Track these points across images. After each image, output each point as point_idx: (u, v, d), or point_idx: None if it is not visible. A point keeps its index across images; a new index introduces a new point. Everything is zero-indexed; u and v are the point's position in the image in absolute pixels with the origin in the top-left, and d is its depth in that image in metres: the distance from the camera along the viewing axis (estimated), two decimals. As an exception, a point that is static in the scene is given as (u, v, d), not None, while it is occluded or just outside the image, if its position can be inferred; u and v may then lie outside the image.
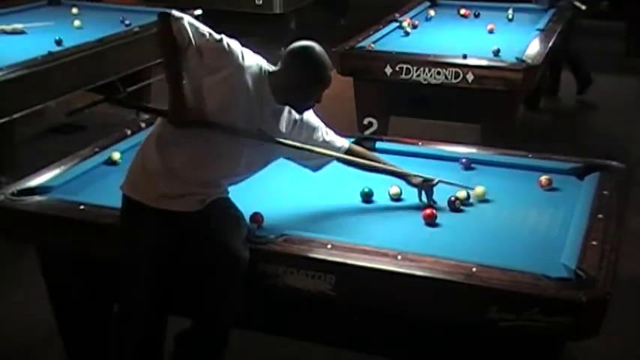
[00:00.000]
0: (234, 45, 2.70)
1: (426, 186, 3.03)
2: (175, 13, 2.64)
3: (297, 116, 2.87)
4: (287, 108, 2.82)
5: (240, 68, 2.66)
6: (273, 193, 3.16)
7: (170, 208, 2.68)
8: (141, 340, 2.82)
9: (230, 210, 2.75)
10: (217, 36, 2.67)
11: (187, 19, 2.65)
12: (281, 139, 2.79)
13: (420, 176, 3.05)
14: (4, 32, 5.57)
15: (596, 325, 2.36)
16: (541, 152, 3.54)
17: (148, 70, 6.10)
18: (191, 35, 2.61)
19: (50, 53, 4.89)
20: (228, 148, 2.70)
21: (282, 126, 2.82)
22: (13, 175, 3.78)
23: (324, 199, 3.13)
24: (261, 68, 2.74)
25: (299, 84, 2.71)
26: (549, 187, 3.19)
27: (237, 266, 2.62)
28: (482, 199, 3.09)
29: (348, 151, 3.04)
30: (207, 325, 2.73)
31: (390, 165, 3.10)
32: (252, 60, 2.73)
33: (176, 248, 2.72)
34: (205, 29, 2.67)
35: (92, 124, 6.05)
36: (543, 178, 3.20)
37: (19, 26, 5.64)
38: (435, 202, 3.02)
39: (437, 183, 3.03)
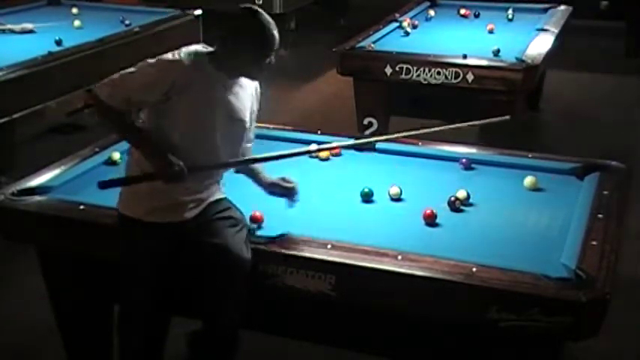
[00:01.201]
0: (162, 64, 2.60)
1: (278, 188, 2.87)
2: (96, 86, 2.62)
3: (256, 107, 2.84)
4: (247, 87, 2.75)
5: (181, 80, 2.56)
6: (273, 193, 3.15)
7: (164, 221, 2.68)
8: (142, 340, 2.83)
9: (228, 211, 2.75)
10: (143, 70, 2.61)
11: (109, 81, 2.63)
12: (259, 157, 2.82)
13: (272, 181, 2.89)
14: (13, 32, 5.57)
15: (596, 325, 2.37)
16: (541, 152, 3.54)
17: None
18: (123, 93, 2.58)
19: (50, 53, 4.89)
20: (205, 150, 2.67)
21: (247, 105, 2.76)
22: (13, 175, 3.78)
23: (324, 199, 3.13)
24: (199, 57, 2.61)
25: (247, 52, 2.59)
26: (534, 188, 3.19)
27: (238, 267, 2.62)
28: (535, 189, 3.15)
29: None
30: (211, 326, 2.74)
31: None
32: (187, 58, 2.59)
33: (176, 249, 2.72)
34: (130, 74, 2.62)
35: (92, 124, 6.05)
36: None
37: (28, 26, 5.64)
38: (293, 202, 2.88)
39: (292, 188, 2.87)
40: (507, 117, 2.83)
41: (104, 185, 2.71)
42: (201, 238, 2.67)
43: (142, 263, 2.74)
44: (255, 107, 2.84)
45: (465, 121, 2.86)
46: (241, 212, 2.78)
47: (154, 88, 2.56)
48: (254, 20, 2.60)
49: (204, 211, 2.71)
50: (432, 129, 2.79)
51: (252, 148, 2.94)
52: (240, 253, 2.62)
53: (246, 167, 2.91)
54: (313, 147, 3.03)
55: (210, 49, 2.68)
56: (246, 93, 2.75)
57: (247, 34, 2.58)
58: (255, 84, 2.81)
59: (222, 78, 2.65)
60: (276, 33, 2.63)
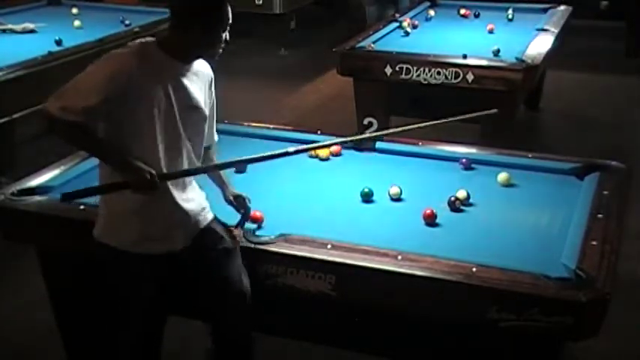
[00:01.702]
0: (106, 62, 2.46)
1: (240, 202, 2.77)
2: (47, 104, 2.43)
3: (213, 97, 2.71)
4: (201, 75, 2.61)
5: (131, 73, 2.40)
6: (273, 192, 3.16)
7: (155, 252, 2.56)
8: None
9: (222, 240, 2.65)
10: (89, 73, 2.46)
11: (58, 94, 2.44)
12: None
13: (237, 193, 2.79)
14: (14, 32, 5.57)
15: (596, 325, 2.37)
16: (541, 152, 3.54)
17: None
18: (75, 103, 2.38)
19: (50, 53, 4.89)
20: (171, 147, 2.52)
21: (203, 93, 2.61)
22: (13, 175, 3.78)
23: (324, 199, 3.13)
24: (146, 47, 2.49)
25: (200, 29, 2.46)
26: (508, 184, 3.22)
27: (244, 302, 2.62)
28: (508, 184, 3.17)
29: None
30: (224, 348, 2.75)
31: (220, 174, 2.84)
32: (133, 50, 2.47)
33: (167, 282, 2.64)
34: (77, 81, 2.46)
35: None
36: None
37: (30, 25, 5.64)
38: (242, 226, 2.75)
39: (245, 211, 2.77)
40: (495, 110, 2.82)
41: (68, 197, 2.53)
42: (198, 272, 2.62)
43: (131, 312, 2.66)
44: (213, 97, 2.71)
45: (469, 120, 2.85)
46: (231, 232, 2.70)
47: (104, 89, 2.37)
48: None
49: (197, 239, 2.62)
50: (421, 124, 2.76)
51: (252, 147, 2.93)
52: (241, 287, 2.61)
53: (214, 173, 2.79)
54: (291, 149, 2.78)
55: (159, 36, 2.57)
56: (202, 81, 2.60)
57: (197, 9, 2.45)
58: (210, 73, 2.67)
59: (175, 65, 2.49)
60: (227, 5, 2.50)
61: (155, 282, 2.62)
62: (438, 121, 2.77)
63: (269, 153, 2.70)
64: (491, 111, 2.85)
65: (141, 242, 2.55)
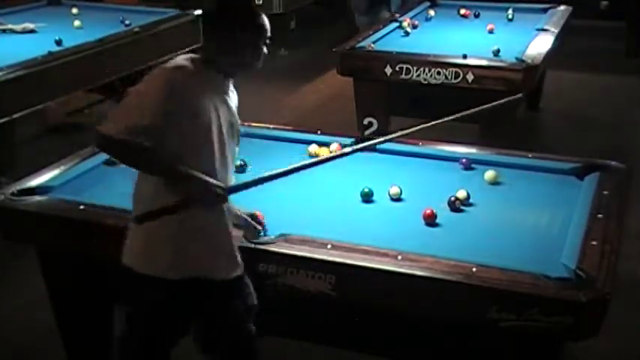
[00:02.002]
0: (154, 81, 2.39)
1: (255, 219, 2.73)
2: (102, 126, 2.35)
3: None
4: (234, 91, 2.61)
5: (181, 92, 2.35)
6: (273, 193, 3.15)
7: (197, 275, 2.48)
8: None
9: (250, 291, 2.63)
10: (137, 93, 2.38)
11: (110, 116, 2.37)
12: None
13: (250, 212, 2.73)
14: (14, 32, 5.57)
15: (596, 325, 2.37)
16: (541, 152, 3.54)
17: (148, 70, 6.09)
18: (126, 122, 2.31)
19: (50, 53, 4.89)
20: (222, 163, 2.50)
21: (235, 110, 2.60)
22: (13, 175, 3.78)
23: (324, 199, 3.13)
24: (193, 64, 2.42)
25: (244, 42, 2.42)
26: (495, 182, 3.22)
27: (253, 348, 2.66)
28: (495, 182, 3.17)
29: None
30: None
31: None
32: (180, 68, 2.39)
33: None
34: (127, 100, 2.38)
35: (92, 124, 6.06)
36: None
37: (30, 25, 5.64)
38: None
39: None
40: (520, 95, 2.78)
41: (143, 219, 2.41)
42: (221, 309, 2.58)
43: (155, 330, 2.59)
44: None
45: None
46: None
47: (160, 105, 2.32)
48: (241, 8, 2.46)
49: (230, 282, 2.54)
50: (444, 119, 2.72)
51: (252, 147, 2.92)
52: (253, 336, 2.64)
53: None
54: (348, 149, 2.81)
55: (197, 55, 2.50)
56: (235, 97, 2.61)
57: (239, 24, 2.42)
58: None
59: (220, 80, 2.50)
60: (265, 18, 2.49)
61: (183, 312, 2.56)
62: (458, 115, 2.74)
63: (317, 159, 2.72)
64: (516, 95, 2.82)
65: (183, 266, 2.47)
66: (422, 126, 2.65)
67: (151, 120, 2.30)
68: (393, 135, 2.73)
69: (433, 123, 2.66)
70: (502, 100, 2.80)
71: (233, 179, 2.61)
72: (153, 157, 2.37)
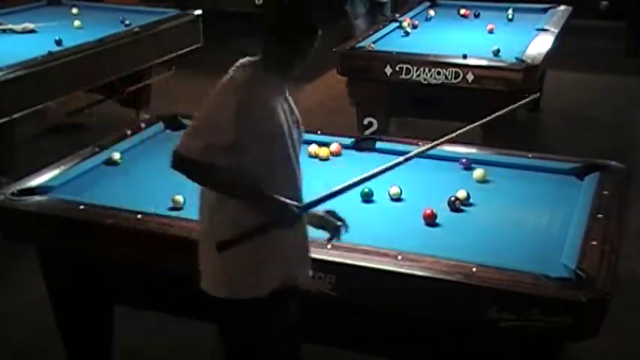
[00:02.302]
0: (219, 94, 2.32)
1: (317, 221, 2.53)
2: (178, 147, 2.28)
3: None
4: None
5: (247, 101, 2.27)
6: (273, 193, 3.15)
7: (285, 285, 2.42)
8: None
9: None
10: (204, 110, 2.32)
11: (183, 136, 2.31)
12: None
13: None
14: (14, 31, 5.57)
15: (596, 325, 2.37)
16: (541, 152, 3.54)
17: (148, 70, 6.11)
18: (199, 142, 2.24)
19: (50, 53, 4.89)
20: (290, 174, 2.42)
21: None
22: (13, 175, 3.78)
23: (324, 199, 3.12)
24: (255, 69, 2.36)
25: (303, 44, 2.35)
26: (483, 180, 3.22)
27: None
28: (483, 181, 3.15)
29: None
30: None
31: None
32: (243, 75, 2.34)
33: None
34: (196, 119, 2.33)
35: (92, 124, 6.06)
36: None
37: (30, 25, 5.64)
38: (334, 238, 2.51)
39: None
40: (536, 95, 2.76)
41: (224, 246, 2.31)
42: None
43: (275, 341, 2.48)
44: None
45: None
46: None
47: (229, 123, 2.22)
48: (301, 11, 2.38)
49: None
50: (468, 127, 2.69)
51: None
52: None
53: None
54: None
55: (256, 59, 2.40)
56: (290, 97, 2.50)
57: (301, 28, 2.35)
58: None
59: (282, 83, 2.40)
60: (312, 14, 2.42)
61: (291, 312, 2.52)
62: (484, 119, 2.72)
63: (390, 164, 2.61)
64: (533, 95, 2.79)
65: (284, 274, 2.41)
66: (466, 129, 2.65)
67: (227, 137, 2.22)
68: (441, 140, 2.66)
69: (473, 125, 2.70)
70: (522, 102, 2.78)
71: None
72: (232, 178, 2.28)
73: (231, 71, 2.36)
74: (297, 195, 2.41)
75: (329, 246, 2.60)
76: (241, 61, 2.40)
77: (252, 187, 2.29)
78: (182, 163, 2.28)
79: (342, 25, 7.05)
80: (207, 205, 2.39)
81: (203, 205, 2.41)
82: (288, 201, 2.32)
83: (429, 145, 2.68)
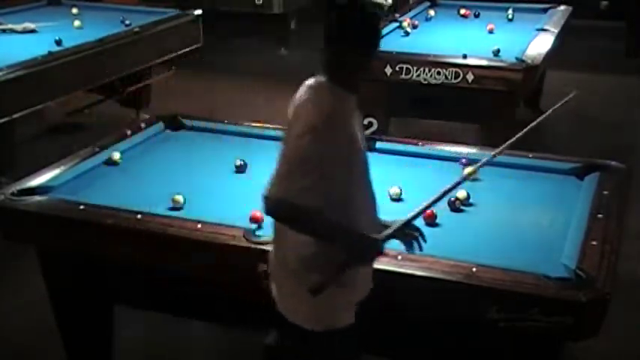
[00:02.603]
0: (304, 125, 2.17)
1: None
2: (274, 193, 2.15)
3: None
4: None
5: (342, 134, 2.19)
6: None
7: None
8: None
9: None
10: (292, 147, 2.17)
11: (275, 179, 2.16)
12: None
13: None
14: (14, 31, 5.57)
15: (596, 325, 2.37)
16: (541, 152, 3.54)
17: (148, 70, 6.12)
18: (296, 183, 2.12)
19: (50, 53, 4.89)
20: (370, 198, 2.38)
21: None
22: (13, 175, 3.78)
23: (324, 199, 3.12)
24: (330, 88, 2.24)
25: (371, 54, 2.32)
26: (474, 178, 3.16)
27: None
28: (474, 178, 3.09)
29: None
30: None
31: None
32: (332, 103, 2.20)
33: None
34: (286, 158, 2.17)
35: (92, 124, 6.06)
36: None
37: (30, 25, 5.64)
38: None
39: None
40: (574, 92, 2.75)
41: (317, 290, 2.21)
42: None
43: None
44: None
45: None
46: None
47: (318, 157, 2.12)
48: (371, 23, 2.32)
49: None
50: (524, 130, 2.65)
51: (252, 147, 2.87)
52: None
53: None
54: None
55: (322, 77, 2.28)
56: None
57: (371, 40, 2.31)
58: None
59: (353, 99, 2.28)
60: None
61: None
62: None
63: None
64: (571, 94, 2.78)
65: (348, 309, 2.36)
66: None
67: (319, 171, 2.12)
68: (504, 146, 2.64)
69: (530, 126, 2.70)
70: (560, 103, 2.79)
71: None
72: (325, 219, 2.18)
73: (303, 97, 2.23)
74: (374, 216, 2.37)
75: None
76: (309, 83, 2.29)
77: (346, 229, 2.21)
78: (280, 208, 2.14)
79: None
80: (290, 239, 2.28)
81: (282, 237, 2.32)
82: (371, 236, 2.24)
83: (498, 150, 2.65)
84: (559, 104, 2.72)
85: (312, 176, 2.12)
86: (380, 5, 6.81)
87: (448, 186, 2.43)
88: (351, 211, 2.25)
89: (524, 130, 2.60)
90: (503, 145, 2.58)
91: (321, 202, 2.14)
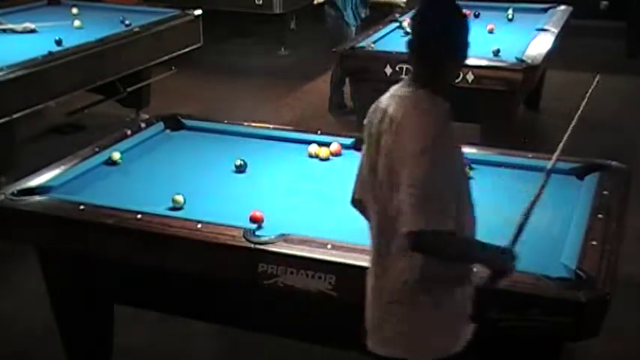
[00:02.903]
0: (424, 139, 2.05)
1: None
2: (419, 229, 1.99)
3: None
4: None
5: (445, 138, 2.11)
6: (273, 192, 3.15)
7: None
8: None
9: None
10: (436, 163, 2.03)
11: (415, 209, 2.01)
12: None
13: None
14: (14, 31, 5.57)
15: (596, 325, 2.36)
16: (541, 152, 3.53)
17: (148, 70, 6.12)
18: (435, 207, 2.00)
19: (50, 53, 4.89)
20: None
21: None
22: (13, 175, 3.78)
23: (324, 199, 3.13)
24: (438, 103, 2.15)
25: (460, 53, 2.27)
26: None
27: None
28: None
29: None
30: None
31: None
32: (441, 114, 2.13)
33: None
34: (422, 182, 2.01)
35: (92, 124, 6.06)
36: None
37: (30, 25, 5.64)
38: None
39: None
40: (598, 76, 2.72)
41: (477, 318, 2.19)
42: None
43: None
44: None
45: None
46: None
47: (446, 175, 2.04)
48: (464, 25, 2.28)
49: None
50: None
51: (252, 147, 2.87)
52: None
53: None
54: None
55: (411, 87, 2.19)
56: None
57: (462, 42, 2.28)
58: None
59: (448, 107, 2.18)
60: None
61: None
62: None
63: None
64: (596, 78, 2.71)
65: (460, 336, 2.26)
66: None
67: (445, 190, 2.03)
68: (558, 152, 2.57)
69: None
70: (590, 89, 2.76)
71: None
72: (463, 239, 2.12)
73: (403, 110, 2.11)
74: (475, 230, 2.26)
75: (329, 246, 2.57)
76: (403, 94, 2.18)
77: (482, 245, 2.15)
78: (428, 240, 2.00)
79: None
80: (396, 266, 2.17)
81: (384, 267, 2.21)
82: (503, 246, 2.17)
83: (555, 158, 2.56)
84: (589, 91, 2.69)
85: (442, 197, 2.01)
86: (397, 5, 6.76)
87: (537, 191, 2.40)
88: (460, 224, 2.12)
89: (569, 128, 2.64)
90: (556, 153, 2.57)
91: (454, 221, 2.03)
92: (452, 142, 2.14)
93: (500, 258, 2.15)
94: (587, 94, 2.63)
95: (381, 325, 2.24)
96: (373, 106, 2.28)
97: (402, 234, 2.02)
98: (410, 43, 2.22)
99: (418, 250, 2.05)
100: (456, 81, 4.72)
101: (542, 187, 2.38)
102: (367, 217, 2.33)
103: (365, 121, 2.29)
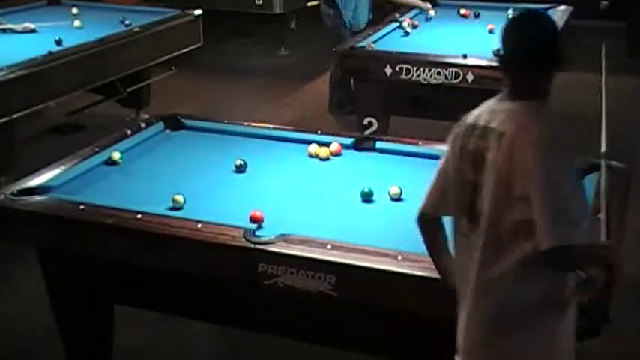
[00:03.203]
0: (561, 162, 2.08)
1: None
2: (559, 244, 1.97)
3: None
4: None
5: None
6: (273, 192, 3.15)
7: None
8: None
9: None
10: (567, 172, 2.07)
11: (554, 223, 1.99)
12: None
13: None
14: (14, 31, 5.57)
15: (596, 325, 2.36)
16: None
17: (148, 70, 6.12)
18: (568, 220, 1.99)
19: (50, 53, 4.89)
20: None
21: None
22: (13, 175, 3.78)
23: (324, 199, 3.13)
24: (549, 114, 2.21)
25: (562, 66, 2.30)
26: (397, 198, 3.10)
27: None
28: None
29: None
30: None
31: None
32: (553, 131, 2.15)
33: None
34: (564, 192, 2.01)
35: (92, 124, 6.06)
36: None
37: (30, 25, 5.64)
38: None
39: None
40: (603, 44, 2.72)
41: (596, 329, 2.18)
42: None
43: None
44: None
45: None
46: None
47: (570, 186, 2.05)
48: (552, 29, 2.30)
49: None
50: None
51: (252, 147, 2.88)
52: None
53: None
54: None
55: (512, 101, 2.22)
56: None
57: (551, 45, 2.32)
58: None
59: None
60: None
61: None
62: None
63: None
64: (603, 49, 2.73)
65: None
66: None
67: (575, 201, 2.03)
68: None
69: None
70: (603, 62, 2.72)
71: None
72: (582, 245, 2.08)
73: (518, 127, 2.11)
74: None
75: (329, 246, 2.57)
76: (509, 109, 2.21)
77: (592, 245, 2.17)
78: (563, 253, 1.99)
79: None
80: (501, 284, 2.12)
81: (485, 289, 2.16)
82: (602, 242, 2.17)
83: None
84: (603, 64, 2.66)
85: (573, 208, 2.01)
86: (421, 9, 6.72)
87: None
88: (584, 231, 2.10)
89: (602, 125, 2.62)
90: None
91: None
92: (571, 151, 2.13)
93: (618, 256, 2.15)
94: (603, 65, 2.62)
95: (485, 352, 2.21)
96: (464, 124, 2.31)
97: (540, 250, 1.98)
98: (505, 58, 2.27)
99: (557, 264, 2.05)
100: (456, 81, 4.76)
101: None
102: (430, 233, 2.36)
103: (450, 140, 2.30)
